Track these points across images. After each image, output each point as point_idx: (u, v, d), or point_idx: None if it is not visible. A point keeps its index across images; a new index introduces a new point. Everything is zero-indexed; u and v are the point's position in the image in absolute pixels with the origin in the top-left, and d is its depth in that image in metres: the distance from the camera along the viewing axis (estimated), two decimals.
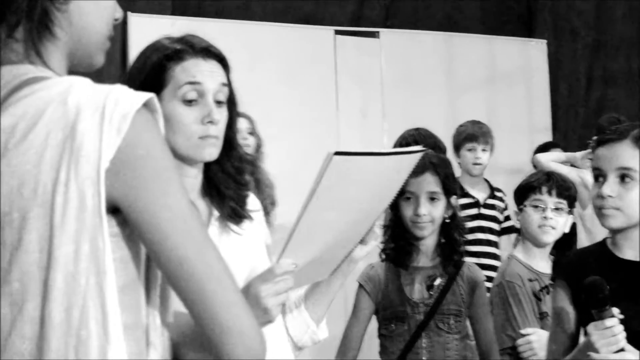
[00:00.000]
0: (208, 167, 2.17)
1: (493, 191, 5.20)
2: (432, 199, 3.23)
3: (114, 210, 1.35)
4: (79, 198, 1.29)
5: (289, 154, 5.83)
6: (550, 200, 3.63)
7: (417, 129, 4.49)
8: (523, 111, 7.23)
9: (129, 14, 5.99)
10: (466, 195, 5.07)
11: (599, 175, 2.64)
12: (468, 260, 3.47)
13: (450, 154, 4.78)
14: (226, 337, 1.36)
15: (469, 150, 5.12)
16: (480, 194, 5.09)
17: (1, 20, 1.39)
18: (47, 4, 1.41)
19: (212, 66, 2.11)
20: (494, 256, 4.91)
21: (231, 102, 2.17)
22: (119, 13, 1.56)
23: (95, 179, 1.29)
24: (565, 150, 6.06)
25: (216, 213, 2.17)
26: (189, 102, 2.07)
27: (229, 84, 2.15)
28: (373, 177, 1.97)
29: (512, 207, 3.96)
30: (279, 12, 6.77)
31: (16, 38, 1.41)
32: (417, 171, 3.13)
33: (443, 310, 3.22)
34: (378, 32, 6.94)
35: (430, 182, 3.24)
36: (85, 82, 1.34)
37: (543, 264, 3.66)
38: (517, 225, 3.76)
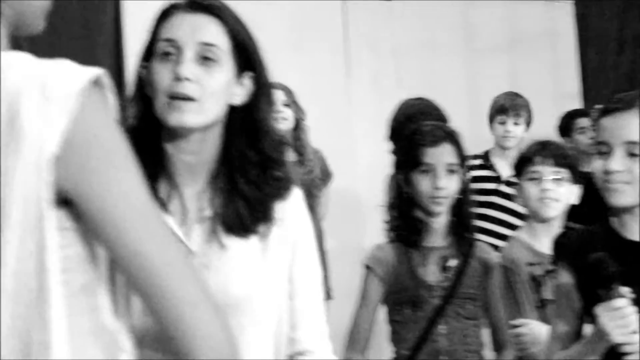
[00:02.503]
0: (227, 147, 2.00)
1: None
2: (451, 171, 3.16)
3: (65, 201, 1.26)
4: (24, 188, 1.22)
5: None
6: (547, 170, 3.46)
7: (419, 99, 4.46)
8: (548, 77, 7.12)
9: None
10: (488, 167, 5.06)
11: (603, 148, 2.50)
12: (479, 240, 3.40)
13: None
14: (192, 338, 1.31)
15: (500, 123, 5.06)
16: (505, 170, 4.93)
17: None
18: None
19: (199, 21, 1.96)
20: (504, 237, 4.70)
21: (253, 69, 2.01)
22: None
23: (39, 166, 1.21)
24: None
25: (216, 209, 1.99)
26: (163, 57, 1.94)
27: (244, 50, 1.98)
28: None
29: None
30: None
31: None
32: (435, 141, 3.17)
33: (460, 294, 3.13)
34: None
35: (449, 153, 3.18)
36: (26, 57, 1.26)
37: (549, 243, 3.41)
38: (519, 203, 3.63)
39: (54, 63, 1.25)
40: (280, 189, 2.03)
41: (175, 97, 1.89)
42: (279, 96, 4.99)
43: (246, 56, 1.99)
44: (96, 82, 1.27)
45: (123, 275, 1.31)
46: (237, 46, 1.97)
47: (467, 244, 3.21)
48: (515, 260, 3.39)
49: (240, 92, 1.99)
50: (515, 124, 5.03)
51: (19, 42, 1.38)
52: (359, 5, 6.67)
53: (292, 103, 5.14)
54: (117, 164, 1.27)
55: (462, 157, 3.21)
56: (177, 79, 1.89)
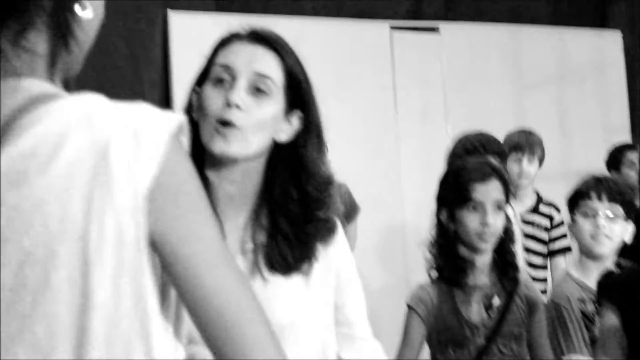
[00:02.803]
0: (270, 183, 2.00)
1: (538, 205, 5.09)
2: (498, 207, 3.16)
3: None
4: (116, 231, 1.22)
5: (344, 159, 5.59)
6: (601, 207, 3.44)
7: (481, 133, 4.49)
8: (597, 109, 7.03)
9: (169, 11, 5.90)
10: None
11: None
12: (523, 277, 3.35)
13: None
14: None
15: (515, 160, 5.05)
16: (519, 208, 4.93)
17: (5, 24, 1.30)
18: (69, 15, 1.33)
19: (257, 52, 1.97)
20: None
21: (303, 108, 2.00)
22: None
23: (134, 209, 1.23)
24: None
25: (258, 242, 2.00)
26: (217, 82, 1.95)
27: (298, 88, 1.99)
28: None
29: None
30: (331, 6, 6.71)
31: (24, 47, 1.31)
32: (483, 177, 3.15)
33: (504, 333, 3.11)
34: (438, 26, 6.83)
35: (496, 189, 3.17)
36: (106, 101, 1.28)
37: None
38: (571, 237, 3.69)
39: (139, 108, 1.27)
40: (323, 231, 2.02)
41: (222, 122, 1.89)
42: None
43: (298, 94, 1.98)
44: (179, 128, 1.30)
45: (193, 315, 1.30)
46: (291, 82, 1.97)
47: (511, 282, 3.17)
48: (567, 296, 3.35)
49: (286, 129, 1.98)
50: (530, 161, 5.04)
51: (67, 82, 1.41)
52: (406, 37, 6.68)
53: None
54: (198, 209, 1.29)
55: (508, 194, 3.19)
56: (228, 105, 1.89)
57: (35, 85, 1.30)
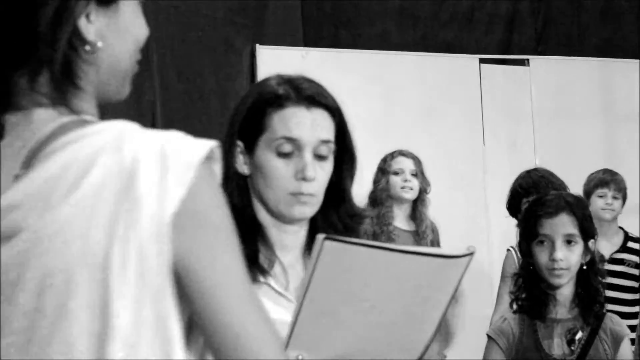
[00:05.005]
0: (314, 221, 2.07)
1: (626, 242, 5.08)
2: (569, 242, 3.12)
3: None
4: (139, 257, 1.21)
5: (431, 193, 5.63)
6: None
7: (529, 171, 4.62)
8: None
9: (257, 46, 6.06)
10: None
11: None
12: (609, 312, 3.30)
13: None
14: None
15: (600, 196, 5.11)
16: (608, 247, 4.94)
17: (23, 66, 1.30)
18: (71, 53, 1.31)
19: (316, 117, 2.01)
20: (621, 315, 4.70)
21: (346, 151, 2.07)
22: (144, 34, 1.43)
23: (159, 235, 1.22)
24: None
25: None
26: (283, 155, 1.99)
27: (342, 133, 2.05)
28: (396, 274, 1.75)
29: None
30: (419, 40, 6.80)
31: (41, 83, 1.31)
32: (552, 212, 3.13)
33: None
34: (528, 59, 6.87)
35: (566, 224, 3.13)
36: (137, 127, 1.27)
37: None
38: None
39: (169, 135, 1.27)
40: None
41: (299, 194, 1.96)
42: (408, 165, 5.05)
43: (344, 144, 2.06)
44: (209, 155, 1.29)
45: (210, 343, 1.29)
46: (340, 136, 2.04)
47: (594, 316, 3.13)
48: None
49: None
50: (615, 197, 5.07)
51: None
52: (494, 70, 6.72)
53: (420, 173, 5.12)
54: (223, 239, 1.27)
55: (584, 227, 3.14)
56: (303, 179, 1.95)
57: (58, 111, 1.30)
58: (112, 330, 1.20)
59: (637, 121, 6.83)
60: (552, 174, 4.46)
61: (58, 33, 1.29)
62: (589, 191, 5.12)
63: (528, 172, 4.53)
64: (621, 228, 5.13)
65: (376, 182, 5.07)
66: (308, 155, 1.98)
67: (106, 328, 1.20)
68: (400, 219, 5.08)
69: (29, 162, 1.24)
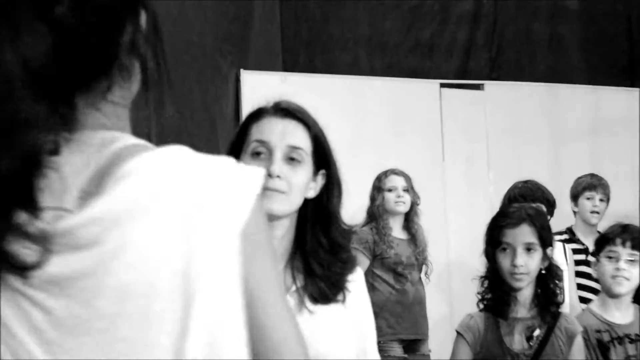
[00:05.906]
0: (302, 236, 2.18)
1: None
2: (529, 249, 3.26)
3: None
4: (214, 268, 1.21)
5: None
6: (624, 252, 3.68)
7: (526, 182, 4.71)
8: (628, 162, 7.04)
9: (242, 70, 6.15)
10: (577, 241, 5.23)
11: None
12: (564, 311, 3.48)
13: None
14: None
15: (588, 199, 5.24)
16: (591, 243, 4.98)
17: (92, 82, 1.24)
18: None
19: (288, 125, 2.14)
20: None
21: (331, 175, 2.19)
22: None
23: (232, 249, 1.22)
24: None
25: (299, 283, 2.16)
26: (255, 155, 2.13)
27: (322, 148, 2.17)
28: None
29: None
30: (387, 67, 6.91)
31: (113, 101, 1.28)
32: (514, 222, 3.26)
33: None
34: (483, 84, 7.01)
35: (526, 234, 3.27)
36: (191, 152, 1.25)
37: (619, 314, 3.69)
38: (595, 276, 3.83)
39: (226, 160, 1.26)
40: (346, 268, 2.19)
41: (268, 189, 2.06)
42: (400, 182, 5.31)
43: (323, 156, 2.17)
44: None
45: (254, 345, 1.29)
46: (317, 148, 2.16)
47: (551, 316, 3.26)
48: (585, 327, 3.50)
49: (314, 187, 2.17)
50: (601, 200, 5.23)
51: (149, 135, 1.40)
52: (453, 94, 6.86)
53: (411, 188, 5.34)
54: (271, 255, 1.30)
55: (543, 236, 3.28)
56: (270, 175, 2.07)
57: (125, 136, 1.27)
58: (191, 330, 1.19)
59: (581, 140, 7.06)
60: (542, 187, 4.64)
61: (140, 48, 1.28)
62: (576, 194, 5.26)
63: (525, 182, 4.65)
64: (599, 231, 4.99)
65: (373, 199, 5.31)
66: (276, 157, 2.10)
67: (185, 329, 1.19)
68: (396, 229, 5.29)
69: (101, 179, 1.20)
